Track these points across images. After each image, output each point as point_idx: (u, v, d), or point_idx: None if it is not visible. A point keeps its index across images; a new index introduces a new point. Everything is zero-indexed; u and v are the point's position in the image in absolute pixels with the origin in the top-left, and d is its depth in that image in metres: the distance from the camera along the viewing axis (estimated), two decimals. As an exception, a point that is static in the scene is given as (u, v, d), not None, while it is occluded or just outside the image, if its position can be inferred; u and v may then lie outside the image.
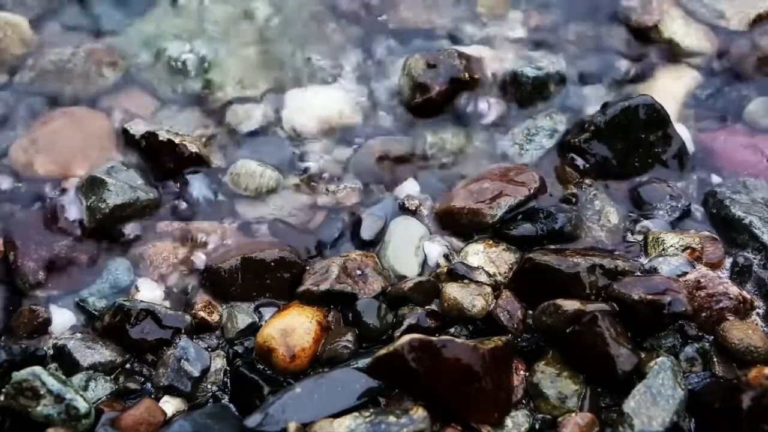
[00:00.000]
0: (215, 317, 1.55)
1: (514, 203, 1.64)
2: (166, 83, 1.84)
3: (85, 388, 1.46)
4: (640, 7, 1.88)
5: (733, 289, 1.53)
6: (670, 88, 1.82)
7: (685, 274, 1.54)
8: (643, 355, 1.45)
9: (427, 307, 1.54)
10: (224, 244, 1.63)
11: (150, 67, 1.85)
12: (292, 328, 1.50)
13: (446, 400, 1.40)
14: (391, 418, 1.35)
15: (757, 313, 1.54)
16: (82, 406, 1.39)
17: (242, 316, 1.55)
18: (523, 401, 1.47)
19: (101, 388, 1.47)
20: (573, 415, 1.43)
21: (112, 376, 1.50)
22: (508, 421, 1.43)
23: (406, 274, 1.60)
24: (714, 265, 1.58)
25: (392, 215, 1.68)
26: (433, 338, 1.40)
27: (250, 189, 1.69)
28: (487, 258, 1.60)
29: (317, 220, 1.68)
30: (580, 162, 1.70)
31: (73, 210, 1.63)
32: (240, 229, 1.67)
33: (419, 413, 1.36)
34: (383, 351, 1.41)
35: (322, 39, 1.91)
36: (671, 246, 1.58)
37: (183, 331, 1.51)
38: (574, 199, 1.67)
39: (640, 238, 1.63)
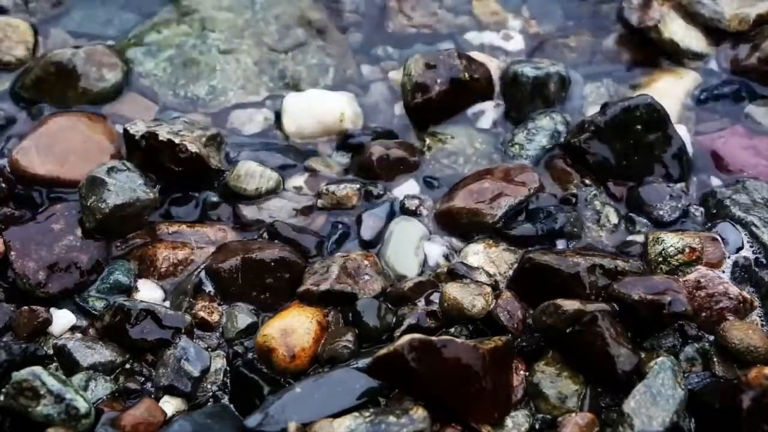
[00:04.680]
0: (215, 317, 1.55)
1: (514, 203, 1.64)
2: (167, 87, 1.84)
3: (85, 388, 1.46)
4: (639, 8, 1.88)
5: (733, 289, 1.53)
6: (670, 89, 1.82)
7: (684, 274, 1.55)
8: (643, 355, 1.46)
9: (427, 306, 1.54)
10: (224, 244, 1.63)
11: (151, 71, 1.86)
12: (292, 328, 1.50)
13: (446, 400, 1.40)
14: (391, 418, 1.35)
15: (758, 314, 1.55)
16: (82, 406, 1.38)
17: (242, 316, 1.55)
18: (523, 401, 1.46)
19: (101, 388, 1.47)
20: (573, 415, 1.43)
21: (112, 376, 1.50)
22: (508, 421, 1.43)
23: (406, 274, 1.60)
24: (714, 265, 1.58)
25: (392, 215, 1.68)
26: (433, 338, 1.40)
27: (251, 189, 1.69)
28: (487, 258, 1.60)
29: (317, 220, 1.69)
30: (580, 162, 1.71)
31: (74, 210, 1.64)
32: (240, 229, 1.67)
33: (419, 413, 1.36)
34: (383, 351, 1.41)
35: (323, 43, 1.92)
36: (671, 246, 1.58)
37: (183, 331, 1.51)
38: (573, 199, 1.68)
39: (640, 238, 1.63)
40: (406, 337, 1.40)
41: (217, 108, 1.83)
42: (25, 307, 1.54)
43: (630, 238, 1.65)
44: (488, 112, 1.80)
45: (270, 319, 1.54)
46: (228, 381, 1.49)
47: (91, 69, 1.81)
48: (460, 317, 1.52)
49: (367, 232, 1.65)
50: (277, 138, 1.80)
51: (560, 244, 1.63)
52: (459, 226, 1.65)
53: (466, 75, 1.77)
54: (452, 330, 1.52)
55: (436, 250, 1.63)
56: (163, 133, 1.68)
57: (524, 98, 1.79)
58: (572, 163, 1.71)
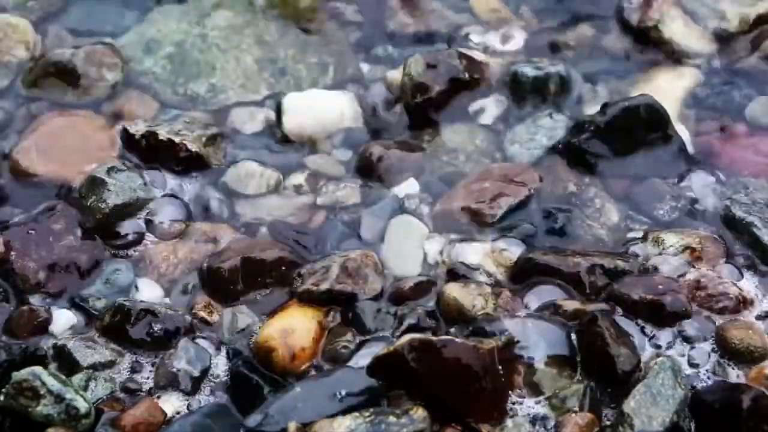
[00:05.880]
0: (215, 317, 1.55)
1: (514, 203, 1.64)
2: (167, 85, 1.84)
3: (85, 388, 1.46)
4: (639, 7, 1.88)
5: (733, 289, 1.53)
6: (670, 88, 1.82)
7: (684, 274, 1.55)
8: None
9: (426, 307, 1.54)
10: (224, 243, 1.63)
11: (151, 69, 1.86)
12: (292, 328, 1.50)
13: (446, 400, 1.40)
14: (391, 418, 1.35)
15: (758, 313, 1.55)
16: (82, 406, 1.39)
17: (242, 316, 1.55)
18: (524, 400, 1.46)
19: (101, 388, 1.47)
20: (573, 415, 1.43)
21: (112, 376, 1.50)
22: (508, 421, 1.43)
23: (406, 274, 1.60)
24: (714, 266, 1.58)
25: (392, 215, 1.67)
26: (433, 338, 1.40)
27: (251, 188, 1.69)
28: (487, 257, 1.60)
29: (317, 220, 1.68)
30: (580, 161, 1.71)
31: (74, 210, 1.64)
32: (240, 228, 1.67)
33: (419, 413, 1.36)
34: (383, 351, 1.41)
35: (323, 42, 1.91)
36: (671, 246, 1.58)
37: (183, 331, 1.51)
38: (574, 199, 1.68)
39: (640, 236, 1.63)
40: (406, 337, 1.40)
41: (217, 106, 1.83)
42: (25, 307, 1.54)
43: (630, 236, 1.65)
44: (488, 111, 1.80)
45: (270, 319, 1.54)
46: (228, 381, 1.49)
47: (90, 68, 1.81)
48: (460, 317, 1.52)
49: (367, 231, 1.65)
50: (277, 137, 1.79)
51: (560, 243, 1.63)
52: (459, 225, 1.65)
53: (466, 75, 1.78)
54: (452, 330, 1.52)
55: (436, 250, 1.63)
56: (163, 133, 1.68)
57: (524, 97, 1.79)
58: (572, 163, 1.71)
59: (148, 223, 1.65)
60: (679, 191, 1.68)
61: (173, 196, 1.68)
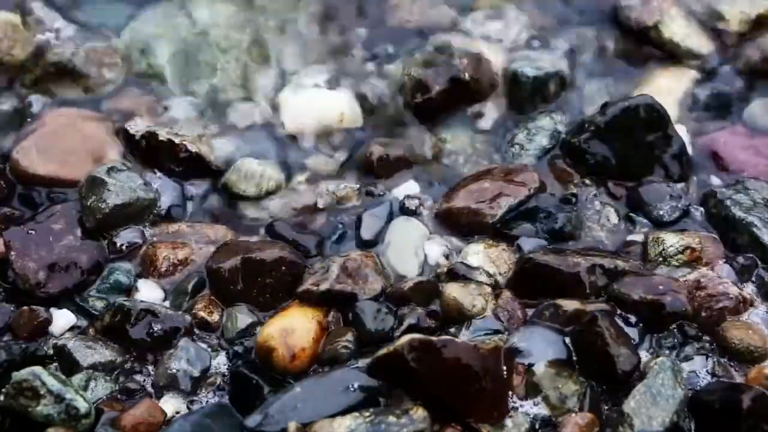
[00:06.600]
0: (215, 317, 1.55)
1: (514, 203, 1.64)
2: (167, 85, 1.84)
3: (85, 388, 1.46)
4: (639, 6, 1.88)
5: (733, 289, 1.54)
6: (670, 89, 1.82)
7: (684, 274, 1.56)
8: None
9: (427, 307, 1.55)
10: (224, 244, 1.63)
11: (152, 69, 1.86)
12: (292, 328, 1.50)
13: (446, 400, 1.40)
14: (391, 418, 1.35)
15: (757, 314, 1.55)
16: (82, 406, 1.39)
17: (242, 316, 1.55)
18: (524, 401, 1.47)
19: (101, 388, 1.47)
20: (573, 415, 1.43)
21: (112, 376, 1.50)
22: (508, 421, 1.43)
23: (406, 274, 1.60)
24: (713, 266, 1.58)
25: (392, 215, 1.67)
26: (433, 338, 1.40)
27: (250, 189, 1.69)
28: (487, 258, 1.60)
29: (317, 220, 1.69)
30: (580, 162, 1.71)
31: (74, 210, 1.64)
32: (240, 229, 1.67)
33: (419, 413, 1.36)
34: (383, 351, 1.41)
35: (323, 42, 1.92)
36: (671, 246, 1.58)
37: (183, 331, 1.51)
38: (574, 199, 1.68)
39: (640, 238, 1.63)
40: (406, 337, 1.39)
41: (217, 106, 1.83)
42: (25, 307, 1.54)
43: (630, 238, 1.65)
44: (488, 111, 1.80)
45: (270, 319, 1.54)
46: (228, 381, 1.49)
47: (90, 67, 1.82)
48: (460, 317, 1.52)
49: (367, 231, 1.65)
50: (276, 137, 1.79)
51: (560, 244, 1.63)
52: (459, 226, 1.65)
53: (466, 75, 1.78)
54: (452, 330, 1.52)
55: (436, 250, 1.63)
56: (163, 133, 1.68)
57: (524, 98, 1.79)
58: (572, 163, 1.71)
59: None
60: (679, 192, 1.68)
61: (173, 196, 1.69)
